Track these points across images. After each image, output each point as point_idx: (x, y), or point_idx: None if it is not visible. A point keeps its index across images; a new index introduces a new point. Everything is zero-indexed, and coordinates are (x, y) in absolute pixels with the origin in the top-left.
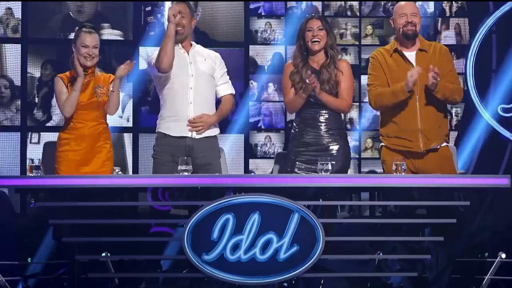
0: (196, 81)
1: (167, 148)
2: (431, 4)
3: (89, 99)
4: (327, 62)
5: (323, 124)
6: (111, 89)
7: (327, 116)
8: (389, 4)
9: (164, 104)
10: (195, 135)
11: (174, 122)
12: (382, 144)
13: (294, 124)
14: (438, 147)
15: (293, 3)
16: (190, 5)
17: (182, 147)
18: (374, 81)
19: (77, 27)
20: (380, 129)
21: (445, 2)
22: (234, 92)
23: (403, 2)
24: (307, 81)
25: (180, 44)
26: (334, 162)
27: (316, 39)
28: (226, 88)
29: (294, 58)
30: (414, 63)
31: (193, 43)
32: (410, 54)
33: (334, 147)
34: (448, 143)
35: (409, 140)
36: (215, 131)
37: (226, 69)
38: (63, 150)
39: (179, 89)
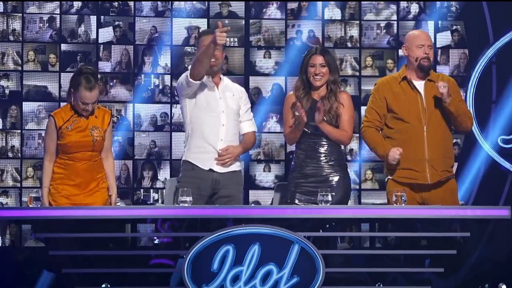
0: (227, 118)
1: (194, 180)
2: (432, 35)
3: (86, 141)
4: (328, 94)
5: (323, 155)
6: (110, 193)
7: (327, 147)
8: (390, 36)
9: (194, 136)
10: (221, 169)
11: (203, 154)
12: (389, 177)
13: (294, 155)
14: (444, 180)
15: (293, 34)
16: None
17: (208, 181)
18: (368, 114)
19: (77, 70)
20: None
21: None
22: (256, 130)
23: (418, 32)
24: (296, 113)
25: (210, 77)
26: (334, 193)
27: (318, 76)
28: (250, 126)
29: (296, 89)
30: (423, 93)
31: (222, 76)
32: (419, 84)
33: (334, 178)
34: (453, 174)
35: (416, 171)
36: (239, 166)
37: (250, 105)
38: (57, 184)
39: (211, 125)
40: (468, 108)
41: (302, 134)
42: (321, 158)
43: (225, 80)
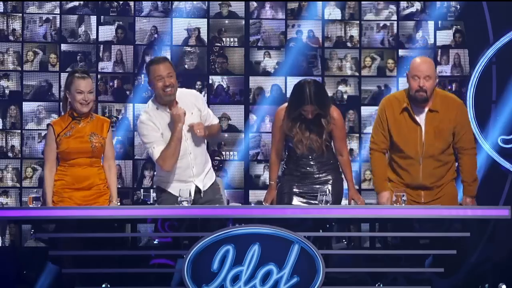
0: (192, 144)
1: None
2: (431, 35)
3: (84, 147)
4: (319, 121)
5: (314, 161)
6: (113, 200)
7: (316, 156)
8: (389, 35)
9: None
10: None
11: (177, 184)
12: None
13: (285, 161)
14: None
15: (294, 34)
16: (170, 60)
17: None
18: (374, 135)
19: (68, 73)
20: (388, 172)
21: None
22: (218, 121)
23: (418, 60)
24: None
25: (167, 107)
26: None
27: (310, 116)
28: (211, 121)
29: (290, 130)
30: (423, 124)
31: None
32: (421, 114)
33: (327, 180)
34: (449, 180)
35: (410, 191)
36: (213, 178)
37: (206, 105)
38: (59, 190)
39: (181, 155)
40: (468, 108)
41: (290, 156)
42: (312, 164)
43: (180, 99)
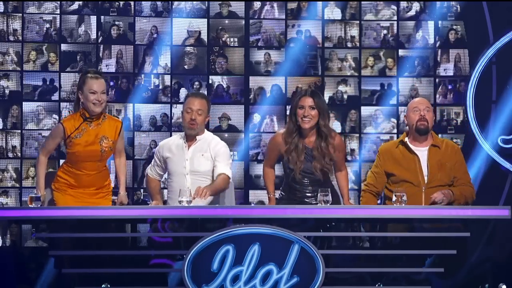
0: (192, 180)
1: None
2: (432, 34)
3: (94, 151)
4: (320, 142)
5: (312, 191)
6: (120, 192)
7: (315, 183)
8: (389, 35)
9: (170, 193)
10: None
11: None
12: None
13: (282, 188)
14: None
15: (294, 34)
16: (209, 101)
17: None
18: (368, 178)
19: (81, 73)
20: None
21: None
22: (230, 175)
23: (416, 98)
24: None
25: (185, 138)
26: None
27: (307, 118)
28: (222, 167)
29: (288, 134)
30: (427, 158)
31: (202, 135)
32: (423, 149)
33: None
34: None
35: None
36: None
37: (227, 155)
38: (62, 186)
39: (178, 188)
40: (468, 108)
41: (288, 184)
42: (309, 195)
43: (203, 139)
